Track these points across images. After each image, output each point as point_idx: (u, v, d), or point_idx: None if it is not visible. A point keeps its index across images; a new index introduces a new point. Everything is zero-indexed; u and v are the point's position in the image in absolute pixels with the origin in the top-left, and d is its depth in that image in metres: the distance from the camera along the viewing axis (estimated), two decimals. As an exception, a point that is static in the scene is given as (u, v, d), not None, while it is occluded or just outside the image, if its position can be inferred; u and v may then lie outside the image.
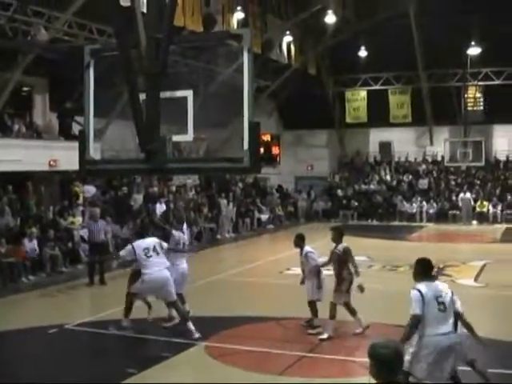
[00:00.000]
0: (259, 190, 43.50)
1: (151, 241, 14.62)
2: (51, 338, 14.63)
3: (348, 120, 48.06)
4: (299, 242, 15.13)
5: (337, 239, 14.60)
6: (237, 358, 13.02)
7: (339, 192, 46.40)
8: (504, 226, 39.43)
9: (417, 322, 8.91)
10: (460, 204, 42.33)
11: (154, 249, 14.33)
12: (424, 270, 9.41)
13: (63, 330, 15.14)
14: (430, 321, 8.93)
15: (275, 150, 46.68)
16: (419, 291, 9.01)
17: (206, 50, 7.91)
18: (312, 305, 14.59)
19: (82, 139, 8.09)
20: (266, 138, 44.14)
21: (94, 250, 22.05)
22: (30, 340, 14.63)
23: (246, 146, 7.15)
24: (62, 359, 13.18)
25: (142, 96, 7.58)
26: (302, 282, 15.00)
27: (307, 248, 15.00)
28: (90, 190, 28.77)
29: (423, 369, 8.79)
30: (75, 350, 13.99)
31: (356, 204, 44.53)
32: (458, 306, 9.38)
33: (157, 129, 7.47)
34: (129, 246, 14.70)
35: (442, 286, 9.36)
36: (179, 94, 7.87)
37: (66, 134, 28.13)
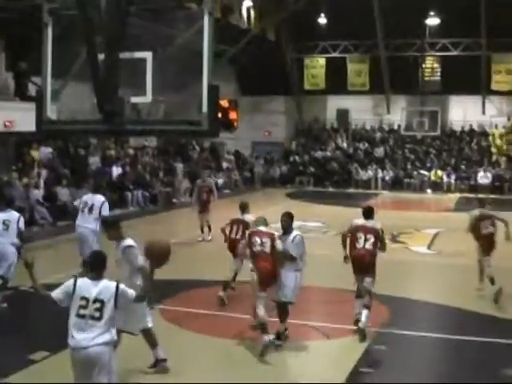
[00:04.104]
0: (216, 155, 43.47)
1: None
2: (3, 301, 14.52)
3: (306, 87, 48.11)
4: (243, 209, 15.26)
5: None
6: (191, 321, 13.11)
7: (296, 158, 46.61)
8: (457, 195, 39.99)
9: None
10: (415, 173, 43.03)
11: None
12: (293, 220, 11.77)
13: (17, 292, 15.01)
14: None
15: (233, 116, 46.45)
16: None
17: (165, 13, 7.81)
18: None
19: (39, 99, 8.04)
20: (224, 103, 43.91)
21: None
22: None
23: (204, 108, 7.17)
24: (13, 322, 13.10)
25: (101, 56, 7.54)
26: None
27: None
28: (46, 151, 28.55)
29: None
30: (28, 313, 13.92)
31: (312, 170, 44.77)
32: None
33: (115, 90, 7.45)
34: None
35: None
36: (138, 55, 7.85)
37: (21, 94, 27.77)
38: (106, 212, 15.32)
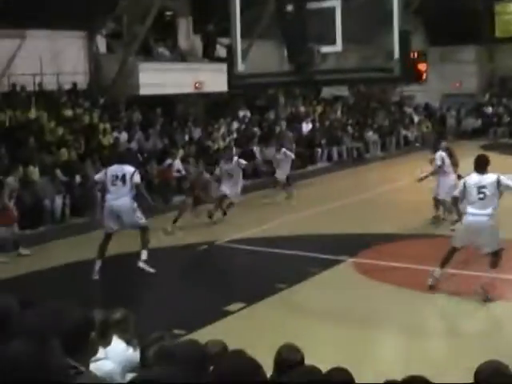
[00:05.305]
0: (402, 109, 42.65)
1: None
2: (202, 255, 14.99)
3: (498, 34, 46.22)
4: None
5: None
6: (384, 273, 12.99)
7: (489, 109, 45.01)
8: None
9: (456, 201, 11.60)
10: None
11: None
12: (477, 164, 11.19)
13: (214, 247, 15.48)
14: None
15: (422, 67, 45.33)
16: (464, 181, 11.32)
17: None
18: None
19: (230, 55, 8.09)
20: (412, 54, 42.96)
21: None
22: (181, 256, 15.06)
23: (396, 55, 6.97)
24: (212, 275, 13.50)
25: (289, 8, 7.46)
26: None
27: None
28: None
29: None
30: (225, 266, 14.33)
31: (507, 121, 43.13)
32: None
33: (304, 40, 7.36)
34: None
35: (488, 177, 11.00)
36: (326, 4, 7.69)
37: (209, 56, 28.26)
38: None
